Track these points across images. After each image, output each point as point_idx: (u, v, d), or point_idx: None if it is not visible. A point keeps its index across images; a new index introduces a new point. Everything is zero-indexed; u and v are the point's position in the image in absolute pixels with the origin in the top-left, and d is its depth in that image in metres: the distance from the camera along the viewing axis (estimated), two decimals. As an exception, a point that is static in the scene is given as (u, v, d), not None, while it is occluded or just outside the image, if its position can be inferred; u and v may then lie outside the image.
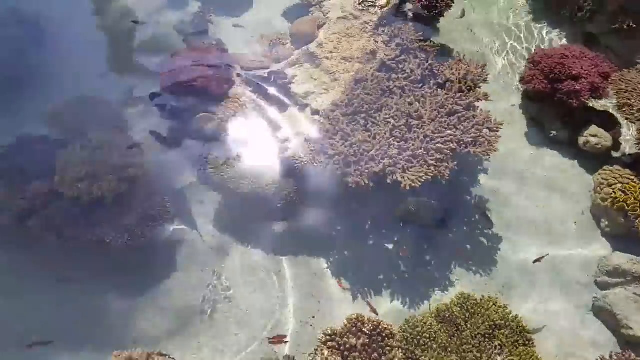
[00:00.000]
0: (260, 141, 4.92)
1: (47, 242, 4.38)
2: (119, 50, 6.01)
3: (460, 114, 4.54)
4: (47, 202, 4.44)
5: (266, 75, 5.16)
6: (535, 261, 4.55)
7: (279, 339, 4.19)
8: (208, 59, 5.20)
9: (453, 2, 5.50)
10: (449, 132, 4.42)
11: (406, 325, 3.92)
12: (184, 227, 4.89)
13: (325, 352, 3.75)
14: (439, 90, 4.73)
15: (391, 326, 3.90)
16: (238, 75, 5.22)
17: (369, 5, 5.18)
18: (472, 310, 4.04)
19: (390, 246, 4.79)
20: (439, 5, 5.38)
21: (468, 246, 4.77)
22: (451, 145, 4.35)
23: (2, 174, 4.61)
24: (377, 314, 4.04)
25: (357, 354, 3.73)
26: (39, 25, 6.04)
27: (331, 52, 5.01)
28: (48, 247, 4.43)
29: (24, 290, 4.40)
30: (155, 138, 5.09)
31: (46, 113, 5.22)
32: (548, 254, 4.60)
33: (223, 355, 4.26)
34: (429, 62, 4.85)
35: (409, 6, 5.35)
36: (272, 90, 5.12)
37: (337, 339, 3.79)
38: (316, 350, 3.82)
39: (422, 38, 5.06)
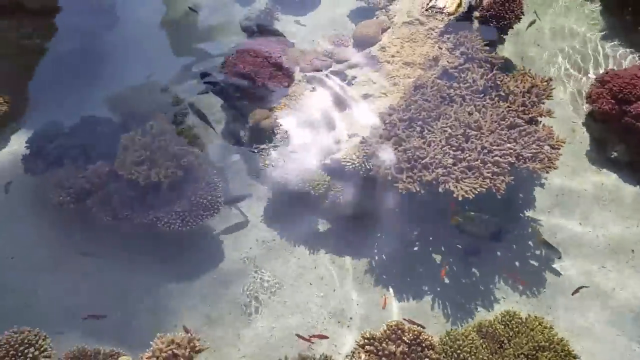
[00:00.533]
0: (313, 140, 4.95)
1: (102, 221, 4.55)
2: (184, 40, 6.16)
3: (521, 128, 4.42)
4: (106, 182, 4.61)
5: (326, 75, 5.18)
6: (574, 293, 4.43)
7: (313, 337, 4.20)
8: (270, 55, 5.27)
9: (522, 15, 5.37)
10: (508, 145, 4.31)
11: (447, 338, 3.85)
12: (232, 218, 4.97)
13: (363, 356, 3.74)
14: (500, 102, 4.63)
15: (431, 337, 3.84)
16: (299, 73, 5.26)
17: (436, 12, 5.11)
18: (517, 329, 3.92)
19: (438, 257, 4.73)
20: (507, 16, 5.26)
21: (517, 263, 4.65)
22: (509, 159, 4.24)
23: (66, 152, 4.81)
24: (416, 325, 3.99)
25: (395, 361, 3.69)
26: (112, 13, 6.25)
27: (393, 57, 4.99)
28: (102, 227, 4.60)
29: (74, 267, 4.56)
30: (211, 130, 5.23)
31: (111, 97, 5.40)
32: (589, 287, 4.44)
33: (257, 348, 4.31)
34: (493, 72, 4.75)
35: (476, 15, 5.27)
36: (330, 91, 5.14)
37: (376, 343, 3.76)
38: (353, 352, 3.81)
39: (487, 48, 4.97)
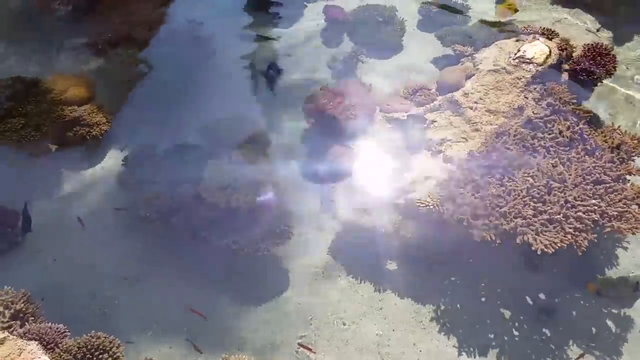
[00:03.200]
0: (388, 180, 5.00)
1: (183, 240, 4.79)
2: (268, 79, 6.46)
3: (607, 185, 4.25)
4: (190, 204, 4.86)
5: (405, 117, 5.26)
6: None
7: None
8: (353, 94, 5.43)
9: (614, 70, 5.24)
10: (593, 201, 4.15)
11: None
12: (301, 248, 5.07)
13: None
14: (586, 156, 4.48)
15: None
16: (378, 113, 5.38)
17: (524, 62, 5.09)
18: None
19: (507, 312, 4.56)
20: (597, 71, 5.15)
21: (593, 329, 4.40)
22: (593, 215, 4.07)
23: (158, 173, 5.15)
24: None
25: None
26: (208, 46, 6.69)
27: (476, 103, 4.99)
28: (183, 244, 4.83)
29: (153, 280, 4.78)
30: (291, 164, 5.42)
31: (202, 126, 5.74)
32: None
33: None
34: (580, 125, 4.63)
35: (566, 67, 5.19)
36: (408, 133, 5.20)
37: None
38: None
39: (575, 101, 4.87)
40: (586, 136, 4.59)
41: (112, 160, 5.53)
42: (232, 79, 6.33)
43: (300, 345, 4.40)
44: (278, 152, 5.56)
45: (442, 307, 4.64)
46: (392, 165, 5.01)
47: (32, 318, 4.10)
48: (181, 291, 4.72)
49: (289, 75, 6.31)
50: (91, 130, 5.45)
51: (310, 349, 4.42)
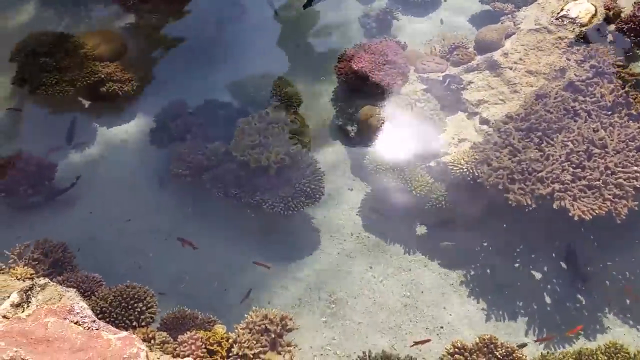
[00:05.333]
0: (420, 141, 4.92)
1: (214, 196, 4.83)
2: (302, 34, 6.34)
3: (652, 151, 4.09)
4: (221, 161, 4.88)
5: (441, 77, 5.12)
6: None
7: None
8: (386, 53, 5.30)
9: (665, 29, 4.95)
10: (635, 168, 4.01)
11: (542, 360, 3.66)
12: (331, 208, 5.06)
13: (451, 364, 3.66)
14: (630, 122, 4.31)
15: (525, 357, 3.67)
16: (413, 73, 5.25)
17: (567, 22, 4.87)
18: (623, 365, 3.63)
19: (539, 275, 4.51)
20: (647, 30, 4.88)
21: (627, 300, 4.32)
22: (635, 182, 3.94)
23: (188, 130, 5.16)
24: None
25: (485, 374, 3.57)
26: (239, 4, 6.58)
27: (515, 63, 4.82)
28: (214, 201, 4.87)
29: (184, 235, 4.84)
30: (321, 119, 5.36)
31: (233, 83, 5.71)
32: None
33: (342, 336, 4.35)
34: (625, 89, 4.43)
35: (611, 27, 4.94)
36: (444, 94, 5.07)
37: (466, 354, 3.66)
38: (441, 358, 3.74)
39: (620, 63, 4.65)
40: (631, 100, 4.40)
41: (144, 116, 5.55)
42: (265, 37, 6.24)
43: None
44: (308, 110, 5.50)
45: (472, 272, 4.61)
46: (425, 126, 4.91)
47: (70, 267, 4.24)
48: (212, 247, 4.79)
49: (322, 32, 6.19)
50: (123, 86, 5.47)
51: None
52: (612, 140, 4.17)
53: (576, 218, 3.87)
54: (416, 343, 4.19)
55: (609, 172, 4.03)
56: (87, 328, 3.20)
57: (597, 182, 3.98)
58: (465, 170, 4.38)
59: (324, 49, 6.12)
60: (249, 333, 3.68)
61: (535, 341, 4.20)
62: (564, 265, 4.54)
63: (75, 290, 3.53)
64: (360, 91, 5.36)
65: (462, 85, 5.00)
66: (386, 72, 5.24)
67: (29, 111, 5.50)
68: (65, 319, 3.27)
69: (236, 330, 3.74)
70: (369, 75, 5.20)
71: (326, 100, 5.67)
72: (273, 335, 3.71)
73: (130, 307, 3.82)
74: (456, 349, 3.73)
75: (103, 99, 5.55)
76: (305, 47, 6.24)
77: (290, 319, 3.83)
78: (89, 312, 3.33)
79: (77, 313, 3.30)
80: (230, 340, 3.67)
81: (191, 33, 6.22)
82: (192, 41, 6.15)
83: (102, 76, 5.42)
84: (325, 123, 5.55)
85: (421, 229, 4.87)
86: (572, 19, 4.91)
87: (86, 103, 5.64)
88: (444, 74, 5.15)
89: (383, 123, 5.05)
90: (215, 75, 5.87)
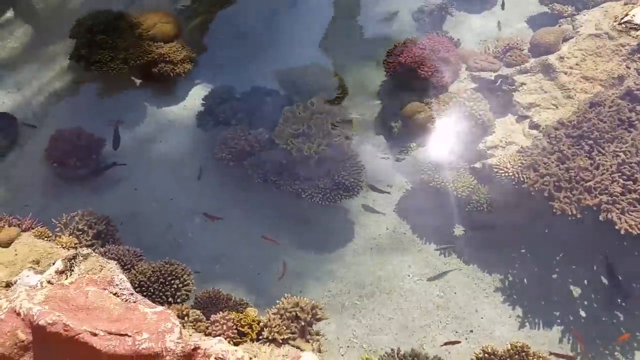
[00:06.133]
0: (466, 141, 4.83)
1: (254, 181, 4.89)
2: (355, 26, 6.31)
3: None
4: (263, 148, 4.93)
5: (493, 77, 5.00)
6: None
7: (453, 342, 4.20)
8: (438, 49, 5.21)
9: None
10: (692, 184, 3.83)
11: (575, 375, 3.56)
12: (369, 203, 5.05)
13: (480, 369, 3.61)
14: (690, 135, 4.11)
15: (558, 369, 3.58)
16: (464, 71, 5.15)
17: (631, 28, 4.66)
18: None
19: (577, 287, 4.38)
20: None
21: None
22: (689, 199, 3.77)
23: (234, 115, 5.23)
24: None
25: (514, 383, 3.51)
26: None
27: (571, 68, 4.66)
28: (254, 186, 4.94)
29: (226, 217, 4.93)
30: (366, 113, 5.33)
31: (281, 72, 5.73)
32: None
33: (369, 331, 4.35)
34: (687, 102, 4.23)
35: (678, 36, 4.71)
36: (494, 94, 4.96)
37: (496, 360, 3.61)
38: (470, 363, 3.70)
39: (685, 74, 4.44)
40: (693, 114, 4.20)
41: (192, 99, 5.66)
42: (316, 26, 6.24)
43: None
44: (354, 104, 5.48)
45: (509, 278, 4.52)
46: (472, 126, 4.82)
47: (112, 240, 4.39)
48: (250, 231, 4.86)
49: (373, 25, 6.15)
50: (175, 68, 5.58)
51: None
52: (669, 154, 3.99)
53: (623, 232, 3.73)
54: (446, 343, 4.15)
55: (662, 186, 3.86)
56: (124, 300, 3.30)
57: (649, 197, 3.82)
58: (511, 174, 4.28)
59: (375, 41, 6.07)
60: (280, 318, 3.73)
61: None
62: (604, 279, 4.40)
63: (115, 262, 3.66)
64: (408, 87, 5.30)
65: (514, 87, 4.87)
66: (436, 68, 5.16)
67: (84, 87, 5.68)
68: (105, 289, 3.38)
69: (267, 315, 3.80)
70: (418, 70, 5.14)
71: (373, 93, 5.63)
72: (303, 323, 3.74)
73: (167, 283, 3.93)
74: (486, 354, 3.67)
75: (155, 79, 5.67)
76: (355, 39, 6.21)
77: (321, 309, 3.85)
78: (128, 284, 3.44)
79: (117, 285, 3.41)
80: (261, 324, 3.73)
81: (244, 19, 6.27)
82: (244, 28, 6.20)
83: (155, 56, 5.54)
84: (370, 117, 5.51)
85: (459, 230, 4.80)
86: (636, 25, 4.70)
87: (138, 82, 5.78)
88: (496, 74, 5.04)
89: (429, 120, 4.99)
90: (264, 63, 5.91)
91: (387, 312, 4.44)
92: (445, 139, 4.93)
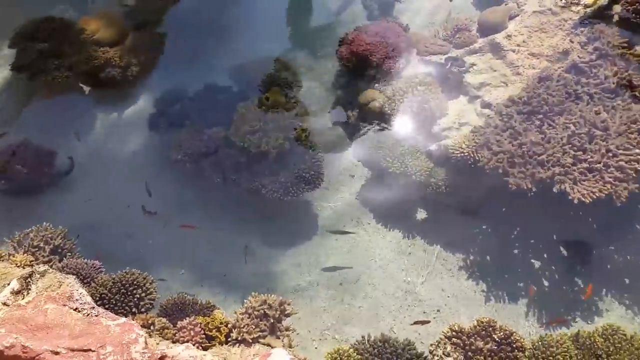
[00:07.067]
0: (421, 125, 4.87)
1: (213, 182, 4.82)
2: (304, 17, 6.27)
3: (655, 134, 4.03)
4: (220, 147, 4.86)
5: (443, 60, 5.05)
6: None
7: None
8: (388, 35, 5.22)
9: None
10: (637, 150, 3.95)
11: (539, 343, 3.64)
12: (331, 193, 5.05)
13: (448, 347, 3.66)
14: (634, 104, 4.24)
15: (523, 339, 3.67)
16: (415, 56, 5.18)
17: (572, 3, 4.77)
18: (619, 345, 3.61)
19: (538, 258, 4.50)
20: (654, 11, 4.77)
21: (627, 280, 4.30)
22: (636, 165, 3.89)
23: (187, 115, 5.13)
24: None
25: (482, 357, 3.58)
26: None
27: (519, 46, 4.74)
28: (213, 187, 4.86)
29: (184, 221, 4.84)
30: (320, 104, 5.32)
31: (233, 67, 5.65)
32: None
33: (338, 319, 4.37)
34: (629, 71, 4.35)
35: (617, 9, 4.83)
36: (445, 77, 5.01)
37: (464, 337, 3.67)
38: (439, 342, 3.75)
39: (625, 45, 4.56)
40: (635, 83, 4.33)
41: (143, 102, 5.53)
42: (266, 19, 6.17)
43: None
44: (309, 95, 5.45)
45: (472, 256, 4.60)
46: (426, 110, 4.86)
47: (70, 254, 4.26)
48: (212, 233, 4.80)
49: (321, 15, 6.12)
50: (123, 72, 5.44)
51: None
52: (614, 122, 4.11)
53: (576, 201, 3.84)
54: (416, 323, 4.21)
55: (610, 154, 3.98)
56: (86, 315, 3.22)
57: (598, 165, 3.93)
58: (466, 154, 4.35)
59: (325, 31, 6.04)
60: (248, 318, 3.70)
61: (547, 324, 4.22)
62: (563, 249, 4.52)
63: (74, 277, 3.57)
64: (362, 75, 5.30)
65: (464, 68, 4.93)
66: (387, 54, 5.17)
67: (28, 98, 5.48)
68: (64, 305, 3.29)
69: (235, 315, 3.76)
70: (369, 58, 5.14)
71: (327, 84, 5.61)
72: (272, 320, 3.72)
73: (129, 293, 3.85)
74: (454, 332, 3.73)
75: (103, 85, 5.51)
76: (307, 29, 6.17)
77: (289, 304, 3.84)
78: (89, 298, 3.36)
79: (77, 300, 3.33)
80: (229, 325, 3.69)
81: (192, 17, 6.14)
82: (195, 25, 6.06)
83: (102, 61, 5.38)
84: (326, 107, 5.50)
85: (421, 214, 4.85)
86: (577, 0, 4.81)
87: (87, 89, 5.61)
88: (446, 56, 5.09)
89: (384, 107, 5.00)
90: (216, 59, 5.80)
91: (357, 301, 4.47)
92: (400, 124, 4.96)
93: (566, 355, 3.57)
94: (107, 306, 3.71)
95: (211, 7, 6.19)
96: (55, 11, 5.77)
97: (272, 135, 4.73)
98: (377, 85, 5.13)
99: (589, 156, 4.00)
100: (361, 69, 5.25)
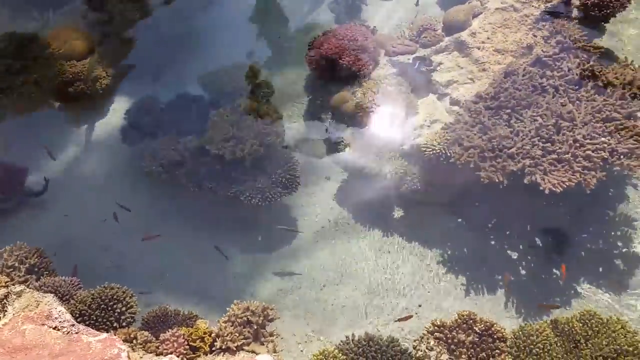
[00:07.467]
0: (393, 125, 4.93)
1: (189, 191, 4.80)
2: (271, 26, 6.28)
3: (618, 122, 4.15)
4: (195, 156, 4.84)
5: (411, 60, 5.13)
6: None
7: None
8: (356, 38, 5.27)
9: (629, 2, 5.01)
10: (603, 139, 4.07)
11: (520, 332, 3.73)
12: (309, 197, 5.07)
13: (432, 342, 3.71)
14: (597, 94, 4.37)
15: (504, 330, 3.74)
16: (383, 57, 5.24)
17: (532, -2, 4.90)
18: (596, 329, 3.71)
19: (515, 249, 4.59)
20: (611, 4, 4.93)
21: (600, 265, 4.43)
22: (603, 154, 4.01)
23: (160, 126, 5.11)
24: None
25: (464, 350, 3.64)
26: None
27: (483, 42, 4.84)
28: (190, 196, 4.85)
29: (162, 232, 4.80)
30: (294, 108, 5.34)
31: (204, 76, 5.63)
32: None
33: (322, 318, 4.40)
34: (591, 63, 4.49)
35: (576, 2, 4.98)
36: (414, 76, 5.08)
37: (446, 331, 3.73)
38: (422, 338, 3.80)
39: (586, 37, 4.70)
40: (597, 73, 4.46)
41: (114, 114, 5.48)
42: (233, 26, 6.17)
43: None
44: (282, 100, 5.47)
45: (449, 251, 4.67)
46: (397, 109, 4.92)
47: (47, 272, 4.20)
48: (190, 242, 4.78)
49: (289, 21, 6.15)
50: (92, 85, 5.38)
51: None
52: (580, 113, 4.23)
53: (547, 191, 3.93)
54: (399, 320, 4.26)
55: (577, 144, 4.09)
56: (66, 332, 3.19)
57: (567, 155, 4.04)
58: (438, 151, 4.42)
59: (294, 36, 6.08)
60: (232, 326, 3.70)
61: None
62: (538, 239, 4.62)
63: (53, 295, 3.52)
64: (333, 78, 5.34)
65: (431, 67, 5.01)
66: (356, 57, 5.22)
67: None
68: (43, 325, 3.25)
69: (218, 324, 3.75)
70: (339, 61, 5.18)
71: (300, 88, 5.64)
72: (255, 327, 3.73)
73: (109, 308, 3.81)
74: (436, 327, 3.79)
75: (73, 99, 5.45)
76: (276, 35, 6.19)
77: (272, 309, 3.85)
78: (68, 316, 3.32)
79: (56, 318, 3.29)
80: (213, 335, 3.68)
81: (161, 27, 6.11)
82: (163, 35, 6.05)
83: (70, 76, 5.32)
84: (300, 111, 5.52)
85: (398, 212, 4.90)
86: (537, -5, 4.94)
87: (56, 104, 5.54)
88: (413, 56, 5.16)
89: (356, 109, 5.05)
90: (187, 69, 5.79)
91: (340, 301, 4.50)
92: (373, 124, 5.01)
93: (546, 343, 3.66)
94: (87, 322, 3.67)
95: (180, 17, 6.18)
96: (16, 26, 5.67)
97: (246, 142, 4.73)
98: (347, 87, 5.18)
99: (557, 147, 4.10)
100: (331, 72, 5.29)
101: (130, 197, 4.96)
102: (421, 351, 3.74)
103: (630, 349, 3.57)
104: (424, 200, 4.75)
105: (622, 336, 3.64)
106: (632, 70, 4.49)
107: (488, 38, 4.89)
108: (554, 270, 4.50)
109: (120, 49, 5.85)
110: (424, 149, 4.46)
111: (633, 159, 4.01)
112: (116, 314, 3.81)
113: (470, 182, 4.36)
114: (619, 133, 4.11)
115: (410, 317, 4.29)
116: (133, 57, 5.90)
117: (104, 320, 3.76)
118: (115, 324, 3.77)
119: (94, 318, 3.73)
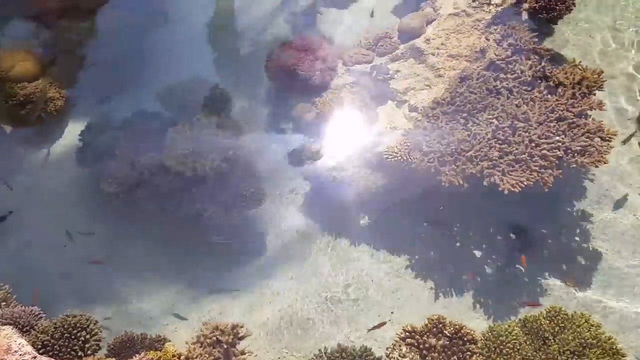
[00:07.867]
0: (354, 134, 4.96)
1: (150, 212, 4.70)
2: (228, 40, 6.25)
3: (570, 121, 4.28)
4: (154, 174, 4.74)
5: (368, 69, 5.17)
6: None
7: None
8: (313, 48, 5.30)
9: (574, 5, 5.19)
10: (557, 138, 4.19)
11: (489, 333, 3.78)
12: (274, 209, 5.04)
13: (404, 349, 3.72)
14: (549, 94, 4.50)
15: (473, 332, 3.78)
16: (341, 66, 5.28)
17: (484, 3, 5.02)
18: (562, 325, 3.80)
19: (478, 253, 4.66)
20: (558, 7, 5.09)
21: (564, 265, 4.54)
22: (557, 152, 4.12)
23: (117, 144, 4.98)
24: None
25: (436, 354, 3.66)
26: (162, 12, 6.39)
27: (438, 48, 4.93)
28: (151, 217, 4.75)
29: (123, 254, 4.71)
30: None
31: (161, 92, 5.54)
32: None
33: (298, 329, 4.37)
34: (542, 64, 4.62)
35: (525, 6, 5.12)
36: (372, 84, 5.13)
37: (417, 337, 3.74)
38: (394, 345, 3.80)
39: (536, 40, 4.84)
40: (548, 74, 4.59)
41: (69, 135, 5.34)
42: (191, 41, 6.10)
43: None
44: (241, 113, 5.43)
45: (417, 256, 4.71)
46: (357, 118, 4.96)
47: (4, 303, 4.03)
48: (155, 265, 4.68)
49: (246, 33, 6.13)
50: (45, 107, 5.23)
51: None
52: (534, 113, 4.34)
53: (506, 192, 4.01)
54: (373, 328, 4.26)
55: (533, 144, 4.19)
56: (26, 366, 3.07)
57: (524, 156, 4.14)
58: (399, 157, 4.45)
59: (252, 49, 6.05)
60: (200, 347, 3.62)
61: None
62: (500, 238, 4.70)
63: (12, 327, 3.39)
64: (292, 89, 5.34)
65: (389, 75, 5.07)
66: (315, 67, 5.24)
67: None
68: (2, 359, 3.12)
69: (187, 346, 3.67)
70: (297, 71, 5.19)
71: (260, 100, 5.61)
72: (225, 346, 3.66)
73: (73, 337, 3.68)
74: (407, 333, 3.80)
75: (26, 122, 5.29)
76: (232, 49, 6.15)
77: (242, 327, 3.79)
78: (29, 348, 3.21)
79: (16, 351, 3.17)
80: (182, 357, 3.60)
81: (115, 45, 6.00)
82: (116, 54, 5.93)
83: (21, 98, 5.16)
84: (261, 124, 5.50)
85: (364, 220, 4.92)
86: (487, 0, 5.06)
87: (7, 128, 5.36)
88: (371, 65, 5.21)
89: (317, 119, 5.06)
90: (142, 86, 5.70)
91: (311, 314, 4.47)
92: (334, 134, 5.03)
93: (516, 342, 3.72)
94: (51, 353, 3.54)
95: (133, 32, 6.07)
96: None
97: (208, 157, 4.67)
98: (308, 97, 5.19)
99: (514, 148, 4.20)
100: (291, 83, 5.29)
101: (89, 221, 4.83)
102: (394, 358, 3.75)
103: (595, 341, 3.67)
104: (389, 206, 4.78)
105: (587, 330, 3.74)
106: (581, 70, 4.64)
107: (442, 44, 4.99)
108: (518, 267, 4.58)
109: (73, 68, 5.72)
110: (386, 155, 4.49)
111: (586, 156, 4.14)
112: (80, 342, 3.68)
113: (432, 187, 4.41)
114: (571, 131, 4.23)
115: (384, 323, 4.30)
116: (87, 76, 5.77)
117: (68, 349, 3.62)
118: (80, 353, 3.64)
119: (58, 348, 3.59)
